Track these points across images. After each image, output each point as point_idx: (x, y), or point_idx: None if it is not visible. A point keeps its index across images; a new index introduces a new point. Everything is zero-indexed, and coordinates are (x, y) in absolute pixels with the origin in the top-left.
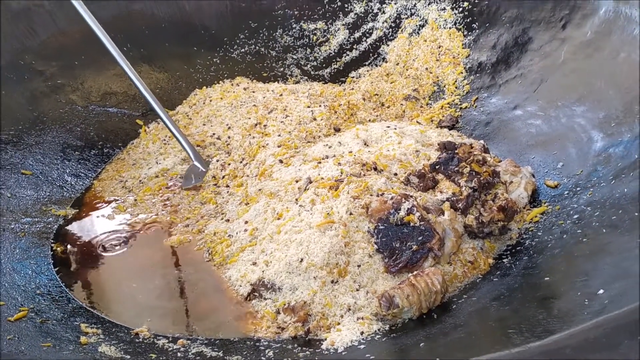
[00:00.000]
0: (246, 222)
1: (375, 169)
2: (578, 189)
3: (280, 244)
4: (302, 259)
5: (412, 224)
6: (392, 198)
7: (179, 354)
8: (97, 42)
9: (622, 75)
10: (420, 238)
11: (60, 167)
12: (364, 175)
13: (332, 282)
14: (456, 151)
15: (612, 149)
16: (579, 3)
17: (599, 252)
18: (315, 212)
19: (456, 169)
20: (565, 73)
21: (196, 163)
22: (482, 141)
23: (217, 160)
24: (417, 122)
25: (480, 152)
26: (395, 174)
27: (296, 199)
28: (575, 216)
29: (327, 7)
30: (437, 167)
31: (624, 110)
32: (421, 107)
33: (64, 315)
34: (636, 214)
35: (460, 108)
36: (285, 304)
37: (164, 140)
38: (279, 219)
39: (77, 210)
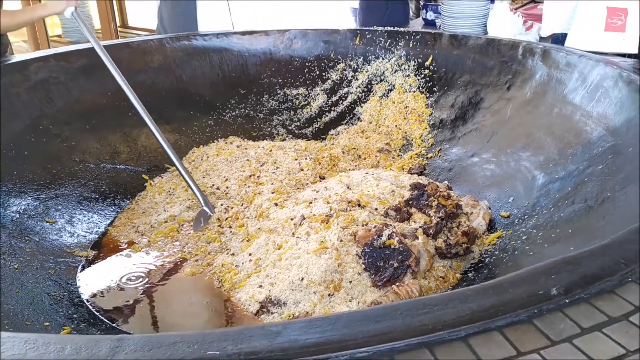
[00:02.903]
0: (250, 254)
1: (359, 205)
2: (525, 216)
3: (283, 268)
4: (302, 278)
5: (392, 247)
6: (375, 227)
7: None
8: (105, 109)
9: (556, 127)
10: (400, 257)
11: (78, 216)
12: (350, 210)
13: (329, 295)
14: (425, 189)
15: (551, 185)
16: (519, 69)
17: (541, 261)
18: (310, 241)
19: (426, 203)
20: (512, 126)
21: (205, 208)
22: (446, 182)
23: (222, 205)
24: (391, 169)
25: (445, 190)
26: (376, 209)
27: (293, 233)
28: (524, 237)
29: (307, 75)
30: (410, 202)
31: (559, 154)
32: (393, 158)
33: (101, 333)
34: (570, 231)
35: (427, 157)
36: (290, 315)
37: (169, 191)
38: (279, 248)
39: (97, 252)
